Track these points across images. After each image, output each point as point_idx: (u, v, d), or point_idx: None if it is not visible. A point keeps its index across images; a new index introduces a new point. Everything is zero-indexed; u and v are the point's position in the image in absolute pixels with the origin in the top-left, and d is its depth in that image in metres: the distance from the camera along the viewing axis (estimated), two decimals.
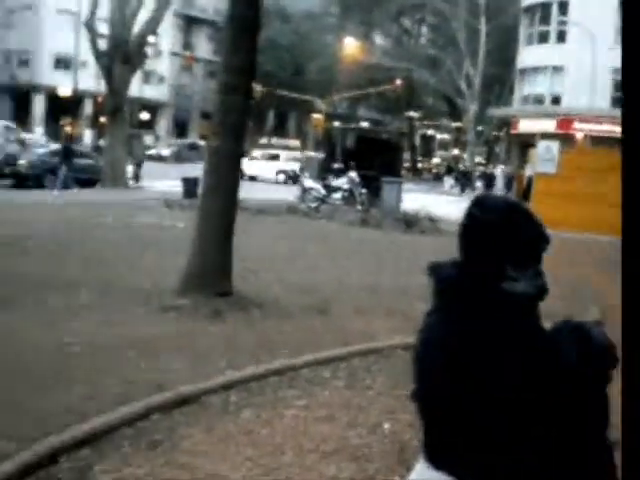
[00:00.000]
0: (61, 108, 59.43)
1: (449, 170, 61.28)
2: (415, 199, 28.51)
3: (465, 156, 65.03)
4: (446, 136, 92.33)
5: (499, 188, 42.98)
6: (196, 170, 27.29)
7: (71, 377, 6.55)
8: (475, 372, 2.13)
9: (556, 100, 49.85)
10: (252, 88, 11.15)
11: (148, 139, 58.64)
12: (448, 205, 28.89)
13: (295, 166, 48.51)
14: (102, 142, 42.03)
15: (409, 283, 11.71)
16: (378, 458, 5.36)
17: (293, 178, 46.36)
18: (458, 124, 72.85)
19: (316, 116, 67.50)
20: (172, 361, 7.20)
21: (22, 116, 57.93)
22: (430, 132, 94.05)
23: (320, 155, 40.74)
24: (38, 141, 42.76)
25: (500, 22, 54.61)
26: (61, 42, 59.68)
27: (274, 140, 69.27)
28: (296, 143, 71.26)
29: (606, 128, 41.94)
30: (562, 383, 2.13)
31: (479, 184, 49.41)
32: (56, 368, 6.76)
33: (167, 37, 65.89)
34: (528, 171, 36.55)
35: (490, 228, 2.23)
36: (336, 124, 49.77)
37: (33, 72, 62.58)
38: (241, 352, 7.73)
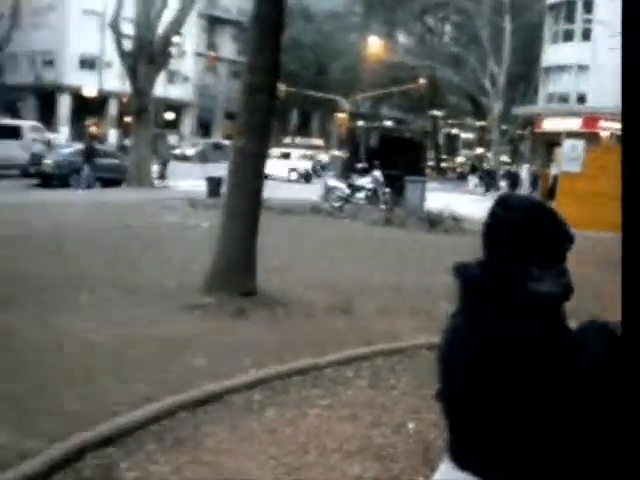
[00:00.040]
0: (86, 108, 59.81)
1: (473, 169, 61.01)
2: (439, 198, 28.42)
3: (489, 155, 64.73)
4: (470, 135, 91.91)
5: (525, 187, 42.73)
6: (220, 170, 27.42)
7: (97, 375, 6.60)
8: (499, 372, 2.13)
9: (581, 99, 49.50)
10: (276, 88, 11.18)
11: (172, 139, 58.92)
12: (472, 204, 28.77)
13: (307, 164, 48.66)
14: (127, 142, 42.29)
15: (433, 282, 11.68)
16: (402, 458, 5.36)
17: (305, 176, 46.47)
18: (482, 123, 72.50)
19: (340, 115, 67.46)
20: (196, 359, 7.23)
21: (47, 116, 58.29)
22: (454, 131, 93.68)
23: (344, 154, 40.74)
24: (62, 141, 43.14)
25: (524, 20, 54.28)
26: (86, 43, 60.03)
27: (298, 139, 69.33)
28: (320, 142, 71.31)
29: None
30: (587, 383, 2.13)
31: (503, 183, 49.14)
32: (83, 366, 6.81)
33: (191, 37, 66.09)
34: (554, 170, 36.37)
35: (514, 228, 2.22)
36: (360, 123, 49.66)
37: (58, 72, 62.98)
38: (265, 351, 7.76)
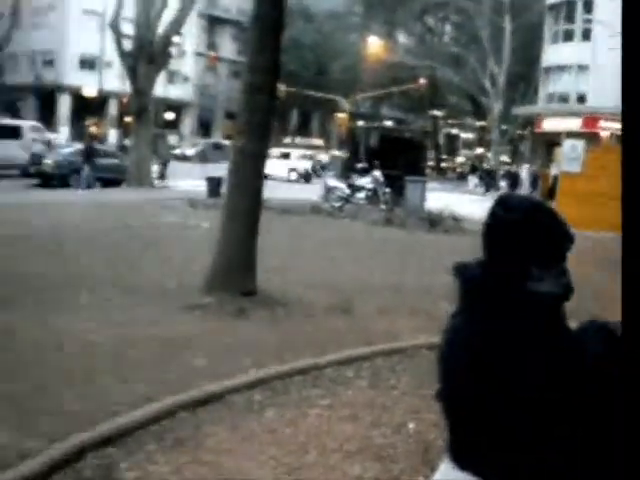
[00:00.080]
0: (86, 108, 59.81)
1: (473, 169, 61.01)
2: (439, 198, 28.43)
3: (489, 155, 64.74)
4: (470, 135, 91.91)
5: (525, 187, 42.73)
6: (220, 170, 27.42)
7: (97, 375, 6.61)
8: (499, 372, 2.13)
9: (581, 99, 49.50)
10: (277, 88, 11.18)
11: (172, 139, 58.92)
12: (472, 204, 28.78)
13: (307, 164, 48.72)
14: (127, 142, 42.28)
15: (433, 282, 11.68)
16: (402, 458, 5.36)
17: (305, 176, 46.54)
18: (482, 123, 72.50)
19: (340, 115, 67.49)
20: (197, 359, 7.23)
21: (47, 116, 58.29)
22: (454, 131, 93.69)
23: (344, 154, 40.77)
24: (62, 141, 43.15)
25: (524, 20, 54.27)
26: (86, 43, 60.01)
27: (298, 139, 69.35)
28: (320, 142, 71.32)
29: None
30: (587, 383, 2.13)
31: (503, 183, 49.14)
32: (83, 366, 6.82)
33: (191, 37, 66.08)
34: (554, 170, 36.36)
35: (514, 227, 2.22)
36: (360, 123, 49.70)
37: (58, 72, 62.97)
38: (265, 351, 7.76)
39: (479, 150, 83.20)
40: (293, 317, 9.40)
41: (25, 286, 9.91)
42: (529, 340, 2.12)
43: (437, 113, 75.74)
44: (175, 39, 34.38)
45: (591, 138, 37.23)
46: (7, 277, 10.38)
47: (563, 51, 49.79)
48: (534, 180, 42.90)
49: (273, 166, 46.22)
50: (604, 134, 44.14)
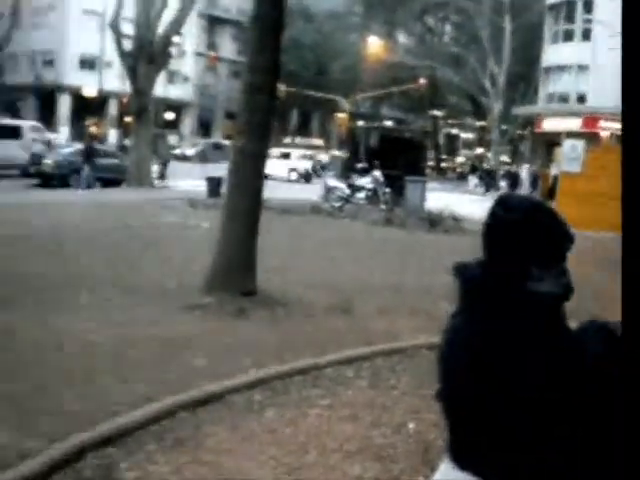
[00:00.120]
0: (86, 108, 59.82)
1: (473, 169, 61.02)
2: (439, 198, 28.43)
3: (489, 155, 64.75)
4: (470, 135, 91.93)
5: (525, 187, 42.73)
6: (220, 170, 27.41)
7: (97, 375, 6.61)
8: (499, 372, 2.13)
9: (581, 99, 49.50)
10: (277, 88, 11.18)
11: (172, 139, 58.92)
12: (472, 204, 28.79)
13: (307, 164, 48.78)
14: (127, 142, 42.28)
15: (433, 282, 11.69)
16: (402, 458, 5.36)
17: (305, 176, 46.61)
18: (482, 123, 72.51)
19: (340, 115, 67.51)
20: (197, 359, 7.24)
21: (47, 116, 58.30)
22: (454, 131, 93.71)
23: (344, 154, 40.78)
24: (62, 141, 43.17)
25: (524, 20, 54.27)
26: (86, 43, 60.02)
27: (298, 139, 69.35)
28: (320, 142, 71.33)
29: None
30: (587, 383, 2.13)
31: (503, 183, 49.14)
32: (83, 366, 6.82)
33: (191, 37, 66.08)
34: (554, 170, 36.36)
35: (514, 227, 2.22)
36: (360, 123, 49.72)
37: (58, 72, 62.98)
38: (265, 351, 7.76)
39: (479, 150, 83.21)
40: (293, 317, 9.40)
41: (25, 286, 9.91)
42: (529, 340, 2.12)
43: (437, 113, 75.75)
44: (175, 39, 34.38)
45: (591, 138, 37.23)
46: (7, 277, 10.38)
47: (563, 51, 49.79)
48: (534, 180, 42.91)
49: (273, 166, 46.25)
50: (604, 134, 44.14)
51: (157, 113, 44.29)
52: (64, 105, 63.56)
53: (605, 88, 43.32)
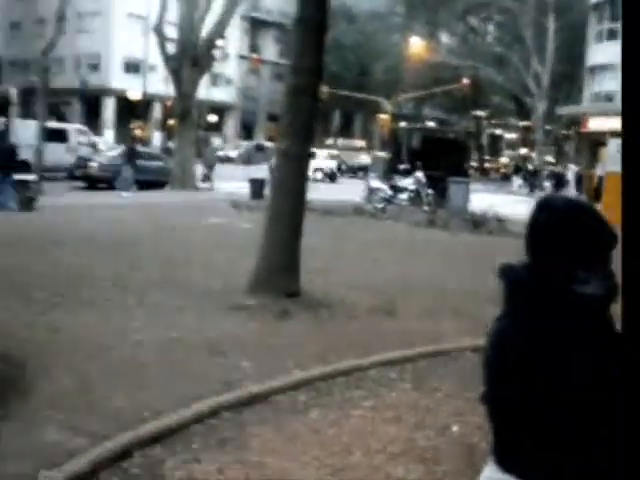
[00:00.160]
0: (131, 111, 60.42)
1: (517, 170, 60.51)
2: (482, 199, 28.23)
3: (534, 155, 64.15)
4: (514, 135, 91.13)
5: (571, 187, 42.26)
6: (263, 171, 27.51)
7: (143, 374, 6.69)
8: (543, 372, 2.12)
9: None
10: (320, 89, 11.21)
11: (216, 141, 59.28)
12: (516, 205, 28.53)
13: (332, 164, 48.86)
14: (171, 144, 42.62)
15: (477, 284, 11.61)
16: (446, 460, 5.35)
17: (330, 176, 46.67)
18: (526, 123, 71.79)
19: (382, 116, 67.33)
20: (241, 360, 7.29)
21: (92, 120, 58.97)
22: (497, 131, 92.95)
23: (386, 155, 40.68)
24: (108, 144, 43.67)
25: (568, 19, 53.72)
26: (131, 46, 60.71)
27: (340, 141, 69.32)
28: (362, 144, 71.22)
29: None
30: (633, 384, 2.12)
31: (548, 184, 48.65)
32: (131, 365, 6.90)
33: (234, 40, 66.45)
34: (599, 170, 35.90)
35: (557, 229, 2.22)
36: (402, 124, 49.50)
37: (103, 76, 63.68)
38: (309, 352, 7.79)
39: (523, 150, 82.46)
40: (336, 318, 9.42)
41: (73, 286, 10.05)
42: (574, 341, 2.12)
43: (480, 113, 75.23)
44: (218, 42, 34.56)
45: None
46: (56, 277, 10.54)
47: (607, 50, 49.10)
48: (579, 181, 42.43)
49: None
50: None
51: (200, 116, 44.63)
52: (109, 108, 64.29)
53: None
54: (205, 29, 31.36)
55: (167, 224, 17.62)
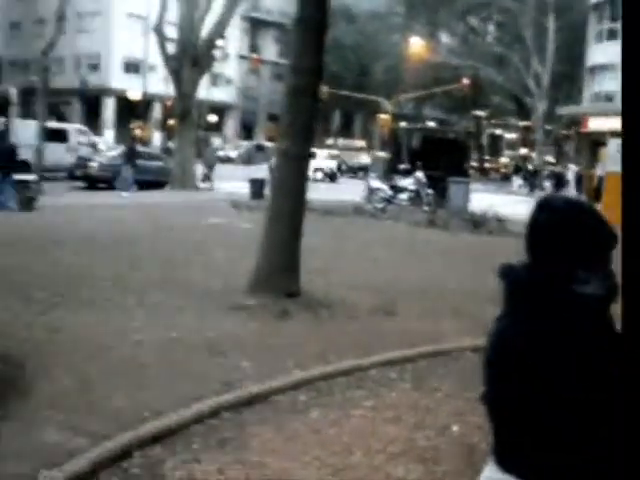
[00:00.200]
0: (131, 111, 60.43)
1: (517, 170, 60.51)
2: (482, 199, 28.22)
3: (534, 155, 64.15)
4: (514, 135, 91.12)
5: (571, 188, 42.25)
6: (263, 171, 27.51)
7: (143, 374, 6.69)
8: (543, 372, 2.13)
9: None
10: (320, 89, 11.21)
11: (216, 141, 59.31)
12: (516, 205, 28.53)
13: (332, 164, 48.93)
14: (171, 144, 42.61)
15: (477, 284, 11.61)
16: (446, 460, 5.35)
17: (330, 176, 46.74)
18: (526, 123, 71.77)
19: (382, 116, 67.34)
20: (241, 360, 7.29)
21: (92, 119, 58.98)
22: (497, 131, 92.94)
23: (386, 155, 40.69)
24: (108, 144, 43.68)
25: (568, 19, 53.73)
26: (130, 46, 60.74)
27: (340, 141, 69.35)
28: (362, 144, 71.24)
29: None
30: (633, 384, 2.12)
31: (548, 184, 48.65)
32: (130, 365, 6.90)
33: (234, 40, 66.47)
34: (599, 170, 35.91)
35: (556, 230, 2.22)
36: (402, 124, 49.52)
37: (103, 76, 63.69)
38: (309, 352, 7.79)
39: (523, 150, 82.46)
40: (336, 318, 9.42)
41: (72, 286, 10.05)
42: (574, 341, 2.12)
43: (480, 113, 75.22)
44: (218, 42, 34.57)
45: None
46: (57, 277, 10.54)
47: (608, 50, 49.12)
48: (580, 181, 42.44)
49: None
50: None
51: (200, 116, 44.61)
52: (109, 108, 64.29)
53: None
54: (205, 29, 31.36)
55: (167, 224, 17.62)
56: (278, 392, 6.52)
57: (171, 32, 32.61)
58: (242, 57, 72.34)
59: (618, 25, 49.14)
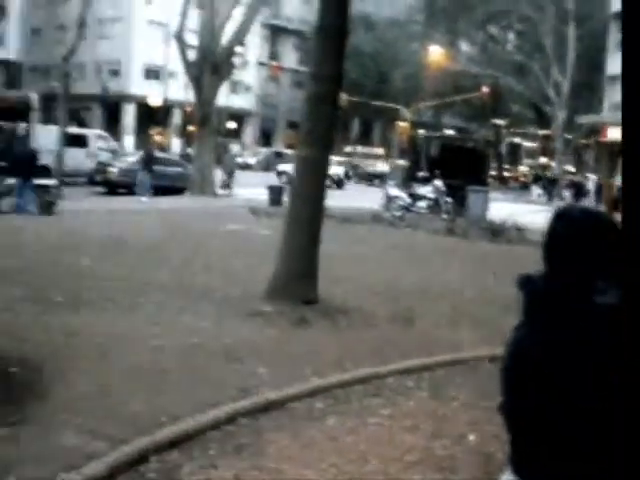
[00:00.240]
0: (151, 118, 60.71)
1: (536, 178, 60.28)
2: (501, 208, 28.16)
3: (553, 164, 63.90)
4: (533, 144, 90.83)
5: (591, 197, 42.05)
6: (281, 178, 27.46)
7: (161, 379, 6.71)
8: (559, 382, 2.13)
9: None
10: (339, 97, 11.23)
11: (235, 148, 59.48)
12: (535, 214, 28.41)
13: (339, 170, 48.91)
14: (190, 150, 42.76)
15: (496, 293, 11.59)
16: (463, 469, 5.33)
17: (337, 182, 46.71)
18: (545, 132, 71.53)
19: (401, 124, 67.33)
20: (258, 366, 7.29)
21: (113, 125, 59.31)
22: (517, 140, 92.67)
23: (405, 163, 40.69)
24: (129, 149, 43.90)
25: (589, 28, 53.52)
26: (151, 53, 61.02)
27: (359, 148, 69.36)
28: (381, 151, 71.23)
29: None
30: None
31: (567, 193, 48.46)
32: (146, 370, 6.93)
33: (254, 47, 66.69)
34: (618, 180, 35.74)
35: (573, 240, 2.22)
36: (421, 132, 49.53)
37: (123, 82, 64.05)
38: (326, 359, 7.79)
39: (542, 159, 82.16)
40: (354, 326, 9.41)
41: (91, 291, 10.10)
42: (591, 351, 2.12)
43: (499, 122, 75.01)
44: (238, 49, 34.70)
45: None
46: (73, 280, 10.59)
47: None
48: (599, 191, 42.25)
49: None
50: None
51: (220, 122, 44.74)
52: (129, 114, 64.63)
53: None
54: (225, 36, 31.48)
55: (185, 230, 17.68)
56: (295, 399, 6.52)
57: (191, 39, 32.78)
58: (262, 64, 72.58)
59: None
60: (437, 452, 5.61)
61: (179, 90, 55.27)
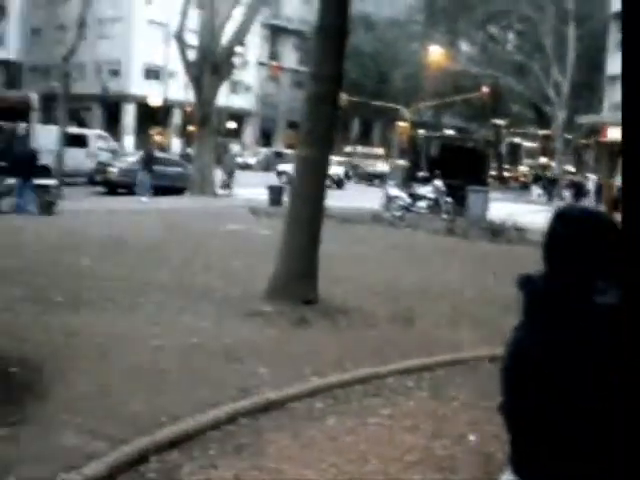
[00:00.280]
0: (151, 117, 60.69)
1: (536, 178, 60.28)
2: (501, 208, 28.16)
3: (553, 164, 63.89)
4: (533, 144, 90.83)
5: (591, 197, 42.04)
6: (281, 178, 27.46)
7: (161, 379, 6.71)
8: (559, 382, 2.13)
9: None
10: (339, 97, 11.22)
11: (234, 148, 59.47)
12: (535, 214, 28.42)
13: (339, 170, 48.88)
14: (190, 150, 42.74)
15: (496, 293, 11.59)
16: (463, 469, 5.33)
17: (337, 182, 46.69)
18: (545, 132, 71.53)
19: (401, 124, 67.32)
20: (258, 366, 7.29)
21: (113, 125, 59.30)
22: (517, 140, 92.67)
23: (405, 163, 40.68)
24: (129, 149, 43.90)
25: (589, 28, 53.51)
26: (151, 53, 61.01)
27: (359, 148, 69.36)
28: (381, 151, 71.22)
29: None
30: None
31: (567, 193, 48.45)
32: (146, 370, 6.93)
33: (254, 47, 66.68)
34: (618, 180, 35.75)
35: (573, 240, 2.22)
36: (421, 132, 49.51)
37: (123, 82, 64.03)
38: (326, 359, 7.79)
39: (542, 159, 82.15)
40: (354, 326, 9.41)
41: (92, 291, 10.10)
42: (591, 351, 2.12)
43: (499, 122, 75.00)
44: (238, 49, 34.68)
45: None
46: (73, 280, 10.59)
47: None
48: (599, 191, 42.25)
49: None
50: None
51: (220, 122, 44.73)
52: (129, 114, 64.61)
53: None
54: (225, 36, 31.47)
55: (185, 230, 17.68)
56: (295, 399, 6.52)
57: (191, 39, 32.78)
58: (262, 64, 72.56)
59: None
60: (437, 452, 5.61)
61: (179, 90, 55.27)
